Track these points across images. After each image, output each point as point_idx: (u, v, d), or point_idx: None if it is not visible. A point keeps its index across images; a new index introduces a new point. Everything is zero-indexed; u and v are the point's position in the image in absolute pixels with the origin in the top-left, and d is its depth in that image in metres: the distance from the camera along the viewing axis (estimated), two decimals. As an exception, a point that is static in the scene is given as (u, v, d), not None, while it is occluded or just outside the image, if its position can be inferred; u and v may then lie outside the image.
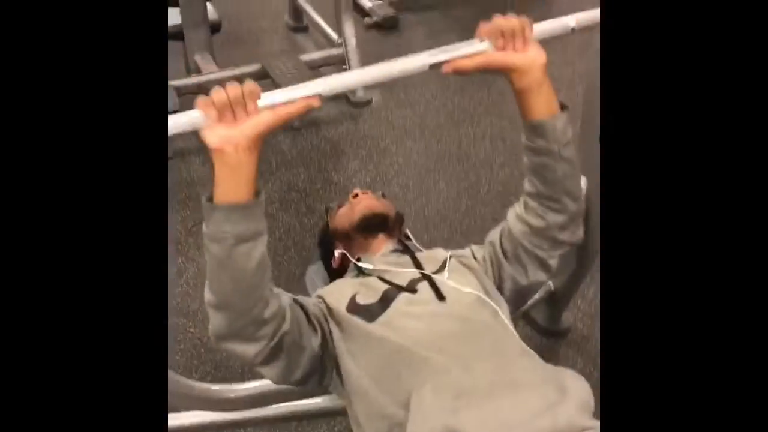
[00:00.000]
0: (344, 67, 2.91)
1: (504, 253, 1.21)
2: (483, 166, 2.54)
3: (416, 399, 0.97)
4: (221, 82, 2.62)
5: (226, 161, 0.94)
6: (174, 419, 1.48)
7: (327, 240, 1.41)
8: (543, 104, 1.08)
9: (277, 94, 0.96)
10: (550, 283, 1.76)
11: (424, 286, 1.16)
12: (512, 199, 2.39)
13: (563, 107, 1.11)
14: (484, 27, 1.05)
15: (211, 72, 2.76)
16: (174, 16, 2.78)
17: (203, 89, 2.77)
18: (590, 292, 1.98)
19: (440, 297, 1.14)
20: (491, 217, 2.31)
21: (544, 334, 1.86)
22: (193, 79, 2.74)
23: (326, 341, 1.12)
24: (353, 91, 2.89)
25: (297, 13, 3.49)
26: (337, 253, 1.34)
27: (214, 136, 0.93)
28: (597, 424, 0.96)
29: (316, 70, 2.88)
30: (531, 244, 1.17)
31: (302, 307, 1.11)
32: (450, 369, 1.01)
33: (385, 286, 1.17)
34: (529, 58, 1.06)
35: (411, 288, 1.16)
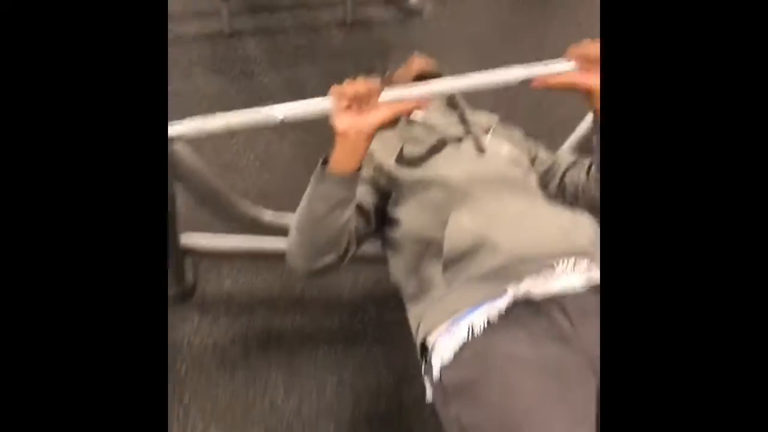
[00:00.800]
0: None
1: (562, 178, 1.33)
2: (523, 82, 2.67)
3: (454, 217, 1.15)
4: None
5: (347, 144, 1.09)
6: (221, 240, 1.68)
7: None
8: None
9: (394, 93, 1.11)
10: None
11: (467, 141, 1.32)
12: (547, 114, 2.56)
13: None
14: (574, 50, 1.14)
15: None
16: None
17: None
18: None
19: (480, 150, 1.30)
20: (525, 130, 2.46)
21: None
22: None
23: (379, 213, 1.27)
24: (407, -1, 3.02)
25: None
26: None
27: (343, 123, 1.08)
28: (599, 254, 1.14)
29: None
30: (584, 197, 1.28)
31: (358, 206, 1.22)
32: (485, 199, 1.18)
33: (432, 139, 1.33)
34: None
35: (456, 140, 1.32)
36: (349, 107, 1.08)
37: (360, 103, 1.08)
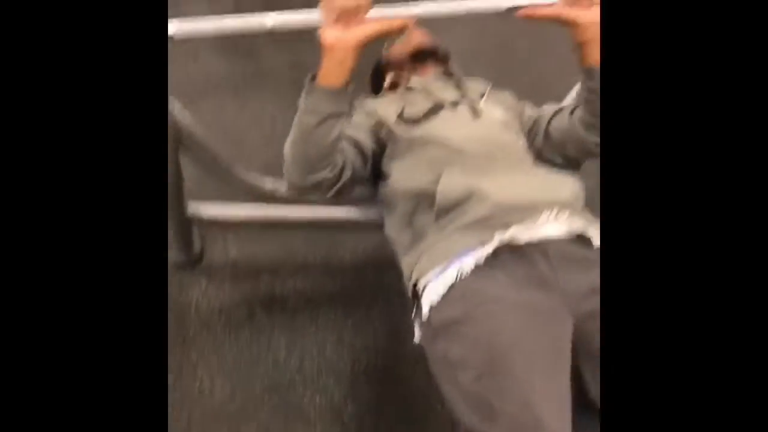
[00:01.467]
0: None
1: (547, 128, 1.39)
2: (510, 10, 2.70)
3: (447, 172, 1.22)
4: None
5: (334, 56, 1.15)
6: (227, 209, 1.76)
7: (379, 71, 1.64)
8: (596, 54, 1.22)
9: (383, 11, 1.17)
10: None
11: (463, 105, 1.39)
12: (548, 90, 2.62)
13: None
14: None
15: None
16: None
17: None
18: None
19: (476, 114, 1.37)
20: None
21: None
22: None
23: (376, 159, 1.35)
24: None
25: None
26: (389, 77, 1.57)
27: (330, 35, 1.14)
28: (581, 206, 1.22)
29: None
30: (570, 140, 1.33)
31: (356, 143, 1.32)
32: (478, 157, 1.25)
33: (429, 102, 1.40)
34: (591, 16, 1.20)
35: (452, 104, 1.39)
36: (337, 21, 1.14)
37: (348, 17, 1.13)
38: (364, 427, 1.54)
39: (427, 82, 1.47)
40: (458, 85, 1.45)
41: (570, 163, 1.39)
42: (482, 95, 1.44)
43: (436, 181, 1.22)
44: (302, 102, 1.20)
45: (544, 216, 1.14)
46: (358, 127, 1.37)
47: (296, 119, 1.21)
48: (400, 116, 1.36)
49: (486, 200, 1.16)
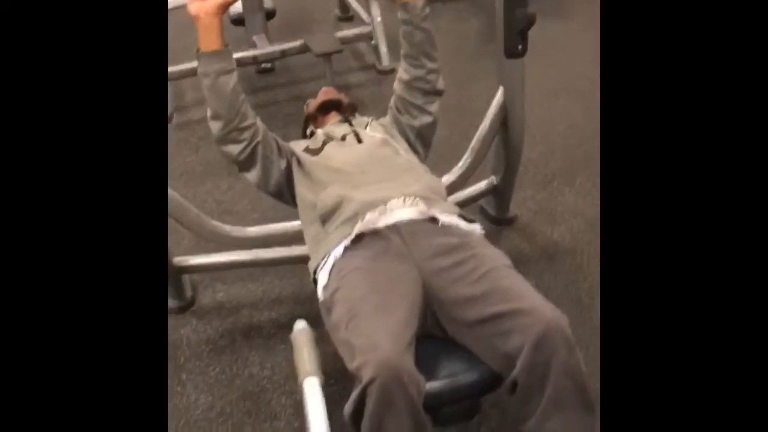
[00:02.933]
0: (372, 42, 3.54)
1: (397, 109, 1.80)
2: (478, 115, 3.08)
3: (328, 188, 1.56)
4: (270, 55, 3.26)
5: (201, 24, 1.53)
6: (210, 258, 2.12)
7: (306, 123, 2.03)
8: None
9: None
10: (494, 177, 2.31)
11: (351, 136, 1.76)
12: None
13: None
14: None
15: (263, 47, 3.45)
16: (237, 5, 3.48)
17: (257, 60, 3.46)
18: (539, 195, 2.52)
19: (359, 141, 1.73)
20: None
21: (495, 222, 2.40)
22: (249, 53, 3.41)
23: (290, 168, 1.72)
24: (380, 61, 3.51)
25: (344, 5, 4.14)
26: (309, 127, 1.95)
27: (193, 8, 1.53)
28: (439, 198, 1.53)
29: (348, 44, 3.51)
30: (409, 96, 1.76)
31: (276, 139, 1.71)
32: (354, 173, 1.59)
33: (326, 138, 1.77)
34: None
35: (342, 137, 1.75)
36: None
37: None
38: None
39: (328, 126, 1.85)
40: (350, 124, 1.82)
41: (432, 94, 1.80)
42: (366, 125, 1.79)
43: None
44: (198, 70, 1.56)
45: (392, 203, 1.46)
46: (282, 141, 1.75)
47: (202, 87, 1.56)
48: (305, 149, 1.72)
49: (353, 201, 1.49)
